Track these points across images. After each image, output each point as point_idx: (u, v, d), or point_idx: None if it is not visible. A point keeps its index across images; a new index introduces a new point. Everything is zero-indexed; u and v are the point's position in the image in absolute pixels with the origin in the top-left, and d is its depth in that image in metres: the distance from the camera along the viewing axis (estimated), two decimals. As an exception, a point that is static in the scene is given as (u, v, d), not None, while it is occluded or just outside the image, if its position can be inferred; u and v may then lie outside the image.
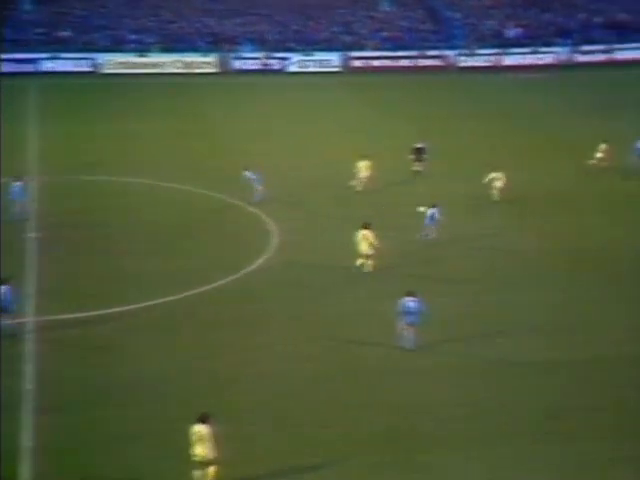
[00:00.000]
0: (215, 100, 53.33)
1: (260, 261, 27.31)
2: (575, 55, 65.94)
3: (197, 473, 15.99)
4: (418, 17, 70.14)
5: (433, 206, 28.49)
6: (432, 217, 28.36)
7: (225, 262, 27.13)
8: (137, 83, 57.64)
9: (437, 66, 64.22)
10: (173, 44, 64.19)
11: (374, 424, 18.17)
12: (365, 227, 25.85)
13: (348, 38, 66.42)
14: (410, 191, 34.25)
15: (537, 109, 51.34)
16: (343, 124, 46.81)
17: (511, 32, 68.35)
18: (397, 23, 68.92)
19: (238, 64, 63.49)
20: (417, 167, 37.03)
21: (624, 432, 17.90)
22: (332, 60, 63.81)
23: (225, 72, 62.18)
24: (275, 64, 63.41)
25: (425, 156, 36.94)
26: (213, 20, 67.59)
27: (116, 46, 63.56)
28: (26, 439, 17.46)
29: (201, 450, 15.64)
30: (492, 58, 65.09)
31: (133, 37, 64.98)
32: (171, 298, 24.36)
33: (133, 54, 62.91)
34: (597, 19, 69.58)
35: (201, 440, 15.62)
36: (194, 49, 63.85)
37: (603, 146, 36.65)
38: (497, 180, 32.31)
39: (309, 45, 64.93)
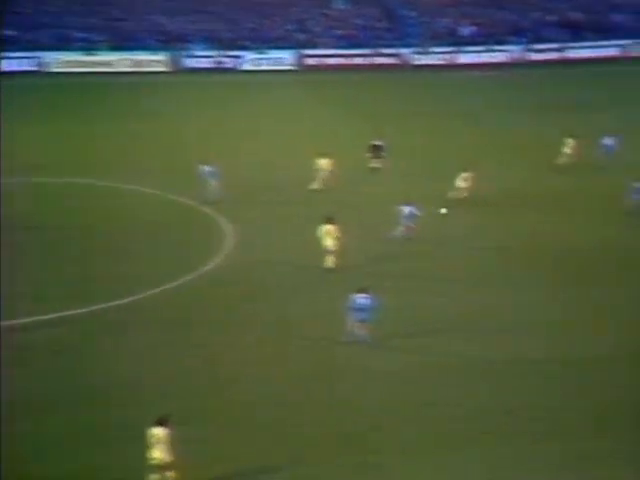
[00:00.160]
0: (166, 99, 52.50)
1: (215, 262, 26.64)
2: (529, 53, 66.15)
3: (154, 477, 15.62)
4: (373, 15, 69.85)
5: (409, 204, 27.98)
6: (410, 214, 27.86)
7: (178, 263, 26.41)
8: (85, 82, 56.45)
9: (392, 64, 63.95)
10: (122, 42, 62.76)
11: (340, 425, 17.88)
12: (328, 222, 25.34)
13: (302, 36, 65.87)
14: (371, 190, 33.72)
15: (492, 107, 51.14)
16: (299, 122, 46.29)
17: (465, 30, 68.36)
18: (352, 21, 68.57)
19: (190, 62, 62.59)
20: (375, 164, 36.65)
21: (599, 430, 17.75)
22: (286, 58, 63.32)
23: (177, 71, 61.39)
24: (228, 62, 62.63)
25: (383, 153, 36.56)
26: (164, 18, 66.44)
27: (63, 44, 61.83)
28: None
29: (159, 454, 15.34)
30: (447, 56, 65.09)
31: (81, 35, 63.39)
32: (118, 302, 23.59)
33: (80, 52, 61.34)
34: (551, 18, 69.92)
35: (159, 443, 15.33)
36: (144, 47, 62.57)
37: (570, 142, 36.41)
38: (465, 179, 31.67)
39: (263, 43, 64.26)
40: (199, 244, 28.19)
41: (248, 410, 18.36)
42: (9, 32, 62.10)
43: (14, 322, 22.18)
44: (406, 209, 27.86)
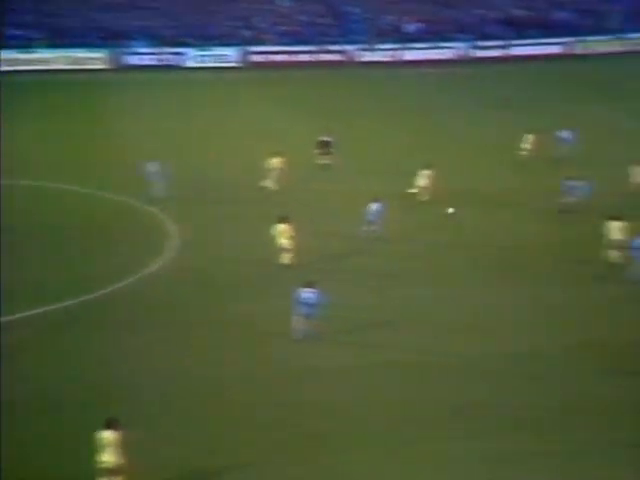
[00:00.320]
0: (105, 97, 51.56)
1: (162, 262, 26.05)
2: (473, 50, 66.37)
3: (103, 482, 15.37)
4: (317, 11, 69.37)
5: (376, 201, 27.73)
6: (377, 212, 27.66)
7: (123, 264, 25.74)
8: (21, 81, 54.57)
9: (338, 61, 63.50)
10: (60, 40, 60.97)
11: (287, 426, 17.62)
12: (282, 221, 25.03)
13: (247, 32, 65.08)
14: (323, 187, 33.23)
15: (439, 104, 51.11)
16: (245, 120, 45.61)
17: (411, 27, 68.29)
18: (296, 17, 68.07)
19: (131, 60, 61.38)
20: (324, 160, 36.12)
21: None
22: (231, 55, 62.53)
23: (117, 68, 60.18)
24: (171, 59, 61.56)
25: (331, 149, 36.17)
26: (103, 14, 64.78)
27: (-2, 42, 59.86)
28: None
29: (108, 457, 15.06)
30: (392, 53, 64.88)
31: (17, 33, 61.38)
32: (64, 304, 23.01)
33: (16, 50, 59.35)
34: (495, 15, 70.28)
35: (108, 447, 15.06)
36: (83, 45, 60.91)
37: (530, 137, 36.37)
38: (424, 177, 31.17)
39: (206, 40, 63.25)
40: (145, 244, 27.57)
41: (199, 411, 18.14)
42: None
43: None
44: (374, 206, 27.68)
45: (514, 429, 17.43)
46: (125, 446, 14.97)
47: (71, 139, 41.14)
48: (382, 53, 64.61)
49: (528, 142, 36.38)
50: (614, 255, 25.16)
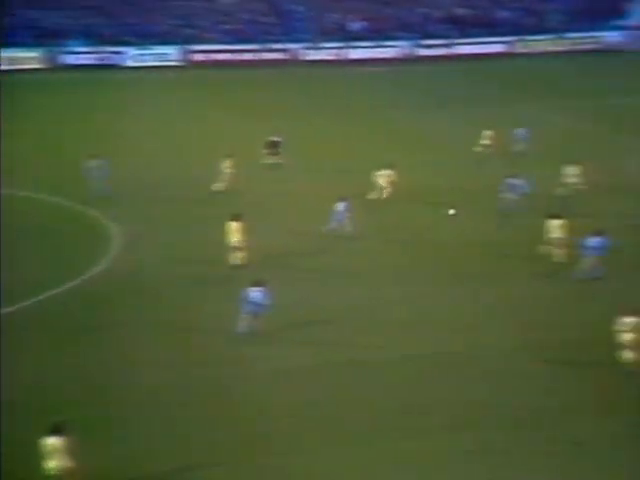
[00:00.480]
0: (41, 98, 49.98)
1: (106, 264, 25.29)
2: (417, 49, 66.32)
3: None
4: (259, 10, 68.58)
5: (343, 200, 27.45)
6: (344, 210, 27.39)
7: (62, 268, 24.88)
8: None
9: (282, 59, 62.92)
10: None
11: (236, 428, 17.22)
12: (235, 219, 24.59)
13: (188, 31, 63.99)
14: (274, 187, 32.46)
15: (386, 102, 50.65)
16: (188, 120, 44.72)
17: (355, 26, 67.88)
18: (238, 16, 67.19)
19: (68, 59, 59.98)
20: (273, 160, 35.38)
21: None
22: (171, 54, 61.59)
23: (53, 68, 58.85)
24: (110, 58, 60.35)
25: (280, 149, 35.57)
26: (38, 12, 62.70)
27: None
28: None
29: (56, 463, 14.61)
30: (337, 51, 64.42)
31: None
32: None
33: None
34: (437, 14, 70.32)
35: (56, 452, 14.63)
36: (18, 44, 58.95)
37: (488, 133, 36.04)
38: (385, 177, 30.50)
39: (147, 38, 62.02)
40: (86, 247, 26.71)
41: (145, 410, 17.74)
42: None
43: None
44: (340, 205, 27.47)
45: (451, 428, 17.25)
46: (72, 451, 14.59)
47: (6, 140, 39.32)
48: (327, 51, 64.29)
49: (487, 138, 36.05)
50: (556, 253, 24.84)
